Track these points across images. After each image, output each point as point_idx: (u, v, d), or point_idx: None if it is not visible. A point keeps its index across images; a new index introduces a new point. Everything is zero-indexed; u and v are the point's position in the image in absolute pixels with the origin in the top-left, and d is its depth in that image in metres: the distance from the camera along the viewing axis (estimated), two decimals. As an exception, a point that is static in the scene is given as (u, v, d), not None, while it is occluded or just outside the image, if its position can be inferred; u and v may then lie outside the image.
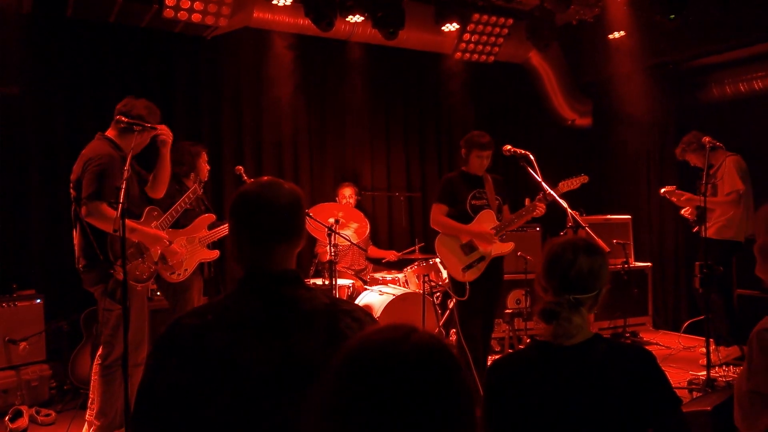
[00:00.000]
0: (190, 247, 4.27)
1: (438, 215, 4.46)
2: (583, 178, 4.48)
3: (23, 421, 4.14)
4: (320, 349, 1.47)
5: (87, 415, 3.78)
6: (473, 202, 4.44)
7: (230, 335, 1.47)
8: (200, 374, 1.43)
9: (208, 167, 4.59)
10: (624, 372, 1.73)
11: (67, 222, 3.80)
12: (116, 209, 3.36)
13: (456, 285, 4.44)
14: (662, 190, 5.53)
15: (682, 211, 5.50)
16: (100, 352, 3.70)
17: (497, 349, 5.87)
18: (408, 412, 0.90)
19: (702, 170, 4.97)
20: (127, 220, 3.41)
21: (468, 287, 4.36)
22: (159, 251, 3.86)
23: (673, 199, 5.45)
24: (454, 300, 4.54)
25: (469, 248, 4.42)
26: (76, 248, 3.66)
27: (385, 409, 0.90)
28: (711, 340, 5.43)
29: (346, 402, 0.93)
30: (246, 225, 1.60)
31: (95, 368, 3.71)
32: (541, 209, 4.37)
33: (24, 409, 4.22)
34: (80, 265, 3.64)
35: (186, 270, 4.22)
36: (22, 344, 4.46)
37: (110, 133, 3.73)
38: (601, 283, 1.83)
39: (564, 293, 1.78)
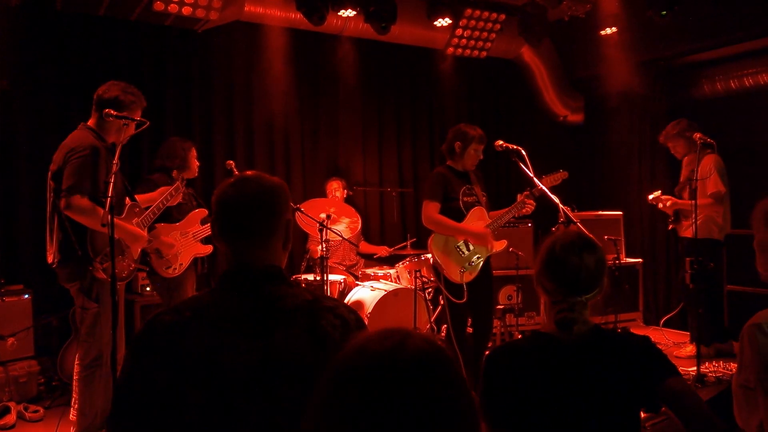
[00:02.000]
0: (184, 241, 4.23)
1: (432, 213, 4.21)
2: (563, 174, 4.39)
3: (11, 418, 4.10)
4: (302, 347, 1.45)
5: (71, 415, 3.74)
6: (465, 198, 4.30)
7: (209, 332, 1.44)
8: (178, 372, 1.41)
9: (197, 163, 4.55)
10: (624, 356, 1.75)
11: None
12: (99, 203, 3.29)
13: (453, 287, 4.24)
14: (650, 197, 5.51)
15: (660, 206, 5.49)
16: (79, 352, 3.60)
17: (488, 344, 5.87)
18: (408, 424, 0.88)
19: (680, 161, 5.05)
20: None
21: (465, 288, 4.22)
22: (139, 250, 3.74)
23: (659, 206, 5.46)
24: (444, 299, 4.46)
25: (465, 248, 4.27)
26: (49, 242, 3.51)
27: (383, 422, 0.88)
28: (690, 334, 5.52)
29: (342, 416, 0.91)
30: (216, 221, 1.59)
31: (75, 369, 3.63)
32: (530, 207, 4.29)
33: (12, 405, 4.19)
34: (55, 260, 3.48)
35: (181, 264, 4.19)
36: (10, 340, 4.42)
37: (92, 122, 3.57)
38: (605, 275, 1.84)
39: (576, 296, 1.78)
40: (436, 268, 4.34)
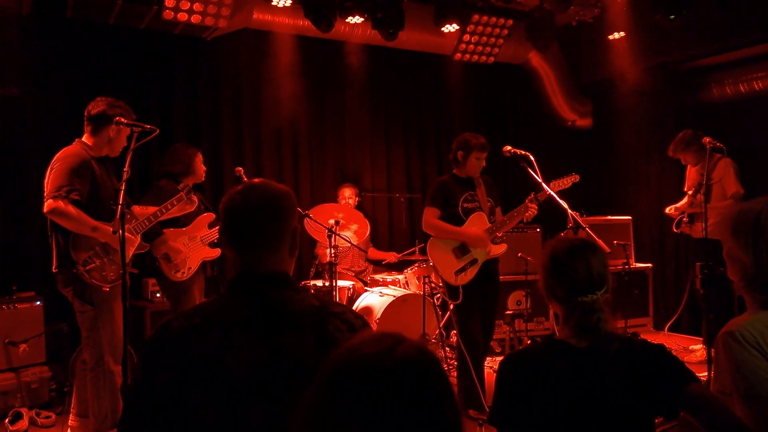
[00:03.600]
0: (192, 245, 4.27)
1: (430, 218, 4.37)
2: (574, 177, 4.42)
3: (23, 424, 4.13)
4: (308, 352, 1.46)
5: (70, 420, 3.75)
6: (465, 204, 4.38)
7: (218, 337, 1.46)
8: (188, 376, 1.43)
9: (204, 168, 4.57)
10: (642, 363, 1.74)
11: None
12: (80, 207, 3.40)
13: (450, 288, 4.39)
14: (667, 210, 5.58)
15: (667, 210, 5.52)
16: (83, 355, 3.65)
17: (497, 350, 5.86)
18: (392, 427, 0.90)
19: (694, 169, 5.06)
20: (89, 218, 3.41)
21: (462, 290, 4.31)
22: (132, 251, 3.68)
23: (673, 212, 5.49)
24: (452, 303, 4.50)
25: (461, 251, 4.36)
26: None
27: (368, 424, 0.90)
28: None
29: (329, 416, 0.93)
30: (223, 227, 1.62)
31: (79, 371, 3.68)
32: (533, 210, 4.31)
33: (24, 411, 4.21)
34: (53, 267, 3.56)
35: (190, 268, 4.22)
36: (22, 346, 4.45)
37: (85, 137, 3.70)
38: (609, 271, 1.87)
39: (591, 294, 1.78)
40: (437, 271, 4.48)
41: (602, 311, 1.78)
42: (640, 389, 1.72)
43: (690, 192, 5.50)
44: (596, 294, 1.78)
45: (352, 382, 0.93)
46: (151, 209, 3.87)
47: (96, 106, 3.66)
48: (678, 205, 5.55)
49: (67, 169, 3.45)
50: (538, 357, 1.81)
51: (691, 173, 5.59)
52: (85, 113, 3.70)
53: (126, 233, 3.58)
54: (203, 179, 4.57)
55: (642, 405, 1.72)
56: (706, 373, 4.61)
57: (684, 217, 5.51)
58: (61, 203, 3.37)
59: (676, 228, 5.62)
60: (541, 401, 1.70)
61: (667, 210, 5.57)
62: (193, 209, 4.16)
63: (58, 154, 3.57)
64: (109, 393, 3.52)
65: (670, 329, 6.57)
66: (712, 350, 4.75)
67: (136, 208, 3.88)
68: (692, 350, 5.68)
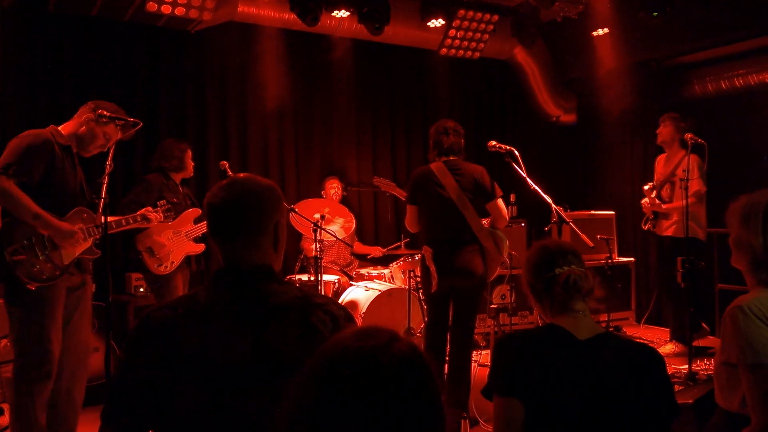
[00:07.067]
0: (177, 240, 4.31)
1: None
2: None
3: (4, 419, 4.09)
4: (292, 343, 1.48)
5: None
6: None
7: (201, 328, 1.48)
8: (171, 367, 1.45)
9: (192, 164, 4.61)
10: (633, 372, 1.76)
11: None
12: (27, 192, 3.06)
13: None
14: (645, 188, 5.63)
15: (645, 201, 5.63)
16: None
17: (482, 344, 5.90)
18: (385, 421, 0.91)
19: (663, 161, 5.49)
20: (33, 204, 3.08)
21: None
22: (77, 252, 3.28)
23: (643, 201, 5.59)
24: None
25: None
26: None
27: (362, 418, 0.91)
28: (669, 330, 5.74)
29: (322, 410, 0.93)
30: (207, 222, 1.65)
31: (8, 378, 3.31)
32: None
33: (5, 407, 4.17)
34: None
35: (173, 263, 4.27)
36: (3, 342, 4.40)
37: (66, 125, 3.37)
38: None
39: (565, 267, 1.84)
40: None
41: (581, 276, 1.84)
42: (626, 398, 1.73)
43: (647, 188, 5.58)
44: (572, 266, 1.85)
45: (348, 376, 0.93)
46: (112, 219, 3.56)
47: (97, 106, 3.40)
48: (646, 201, 5.62)
49: (22, 147, 3.12)
50: (539, 340, 1.84)
51: (660, 165, 5.66)
52: (88, 107, 3.42)
53: (66, 224, 3.23)
54: (191, 174, 4.62)
55: (626, 411, 1.73)
56: (686, 366, 4.69)
57: (649, 214, 5.62)
58: (4, 180, 3.04)
59: (644, 225, 5.71)
60: (538, 384, 1.72)
61: (645, 188, 5.68)
62: (157, 220, 3.93)
63: (22, 133, 3.22)
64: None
65: (652, 323, 6.64)
66: (681, 344, 4.86)
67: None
68: (665, 343, 5.75)
